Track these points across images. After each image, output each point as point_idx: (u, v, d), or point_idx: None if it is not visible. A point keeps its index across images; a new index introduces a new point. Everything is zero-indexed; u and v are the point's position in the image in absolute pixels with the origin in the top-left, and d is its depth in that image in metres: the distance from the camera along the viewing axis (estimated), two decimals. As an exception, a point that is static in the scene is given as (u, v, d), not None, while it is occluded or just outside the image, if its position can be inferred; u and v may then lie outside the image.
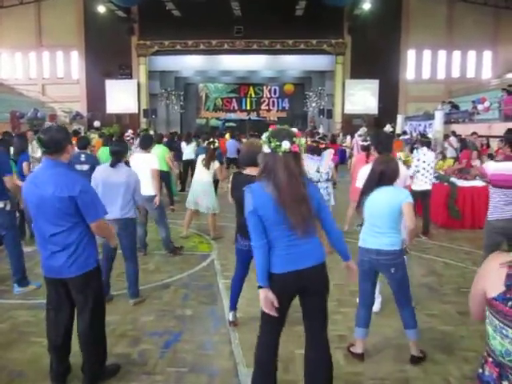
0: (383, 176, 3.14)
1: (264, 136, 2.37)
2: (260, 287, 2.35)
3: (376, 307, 3.90)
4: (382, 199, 3.14)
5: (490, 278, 1.26)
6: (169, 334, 3.72)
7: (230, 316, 3.89)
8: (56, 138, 2.72)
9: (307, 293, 2.46)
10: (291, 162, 2.30)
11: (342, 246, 2.60)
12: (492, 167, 4.10)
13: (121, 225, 4.19)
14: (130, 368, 3.20)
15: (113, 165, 4.26)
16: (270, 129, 2.50)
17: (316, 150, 6.02)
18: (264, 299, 2.33)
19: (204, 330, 3.84)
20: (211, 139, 7.09)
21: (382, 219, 3.15)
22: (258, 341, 2.54)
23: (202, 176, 6.65)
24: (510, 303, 1.16)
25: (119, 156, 4.32)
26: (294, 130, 2.46)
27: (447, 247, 6.43)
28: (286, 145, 2.27)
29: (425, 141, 7.19)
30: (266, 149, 2.33)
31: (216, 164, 6.63)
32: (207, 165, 6.57)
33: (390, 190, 3.16)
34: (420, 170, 6.64)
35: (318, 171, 5.87)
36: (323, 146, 6.27)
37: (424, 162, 6.71)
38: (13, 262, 4.58)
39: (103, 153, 7.51)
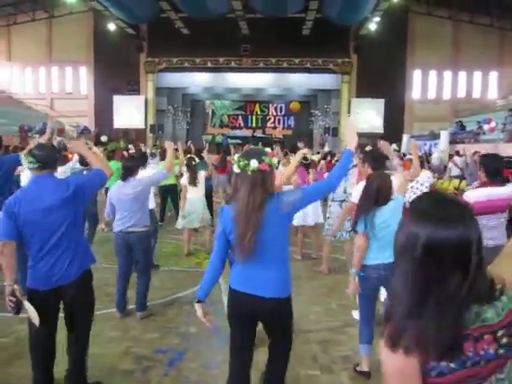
0: (380, 192, 3.16)
1: (234, 157, 2.39)
2: (198, 301, 2.43)
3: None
4: (387, 214, 3.15)
5: None
6: (173, 352, 3.70)
7: None
8: (52, 154, 2.89)
9: (266, 323, 2.45)
10: (258, 180, 2.25)
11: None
12: (473, 195, 3.78)
13: (133, 238, 4.25)
14: (134, 386, 3.18)
15: (123, 179, 4.38)
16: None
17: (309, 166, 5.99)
18: (199, 314, 2.45)
19: (208, 348, 3.81)
20: (188, 155, 7.21)
21: (390, 233, 3.13)
22: (229, 371, 2.52)
23: (194, 194, 6.61)
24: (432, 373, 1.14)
25: (130, 171, 4.43)
26: (267, 149, 2.44)
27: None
28: (253, 164, 2.25)
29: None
30: (235, 169, 2.33)
31: (201, 174, 6.68)
32: (193, 182, 6.56)
33: (394, 203, 3.20)
34: (413, 189, 6.57)
35: (345, 191, 5.83)
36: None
37: (417, 181, 6.66)
38: (22, 275, 4.55)
39: (114, 166, 7.55)
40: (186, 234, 6.77)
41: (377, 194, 3.15)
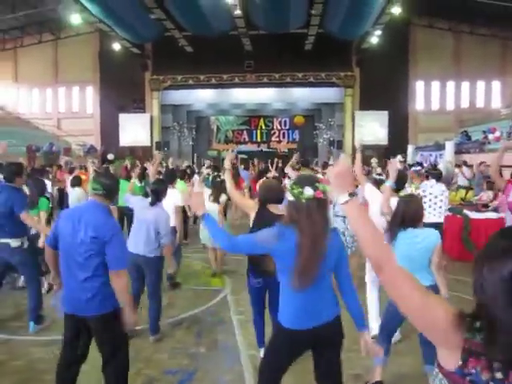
0: (405, 216, 3.12)
1: (288, 184, 2.39)
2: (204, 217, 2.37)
3: (396, 336, 3.88)
4: (415, 240, 3.11)
5: (445, 345, 1.20)
6: (182, 373, 3.70)
7: (261, 352, 3.77)
8: (113, 183, 3.00)
9: (319, 349, 2.43)
10: (314, 209, 2.22)
11: (357, 311, 2.45)
12: None
13: (146, 262, 4.27)
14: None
15: (152, 204, 4.38)
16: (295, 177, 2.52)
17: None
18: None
19: (217, 368, 3.81)
20: (215, 172, 7.06)
21: (417, 261, 3.11)
22: None
23: (211, 210, 6.53)
24: (468, 378, 1.13)
25: (158, 195, 4.44)
26: (320, 176, 2.47)
27: (462, 281, 6.33)
28: (308, 191, 2.20)
29: (434, 173, 7.14)
30: (289, 197, 2.28)
31: (223, 197, 6.49)
32: (216, 200, 6.45)
33: (422, 231, 3.15)
34: (427, 201, 6.57)
35: None
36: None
37: (431, 193, 6.66)
38: (31, 299, 4.56)
39: (122, 184, 7.43)
40: (211, 254, 6.65)
41: (402, 218, 3.12)
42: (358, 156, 4.81)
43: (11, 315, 4.95)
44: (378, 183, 5.69)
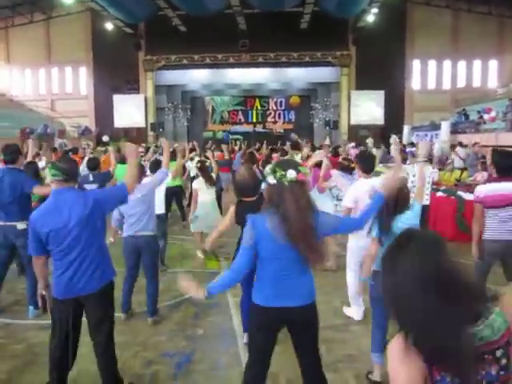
0: (397, 200, 3.07)
1: (268, 167, 2.39)
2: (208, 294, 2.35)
3: None
4: (406, 221, 3.07)
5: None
6: (180, 355, 3.77)
7: (245, 338, 3.87)
8: (75, 167, 3.04)
9: (294, 329, 2.49)
10: (298, 191, 2.26)
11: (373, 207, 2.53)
12: (485, 189, 4.00)
13: (142, 242, 4.32)
14: (143, 390, 3.26)
15: (152, 170, 4.74)
16: (274, 161, 2.54)
17: (347, 169, 5.71)
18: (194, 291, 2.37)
19: (215, 349, 3.89)
20: (198, 158, 7.08)
21: None
22: (244, 375, 2.55)
23: (208, 197, 6.51)
24: None
25: (159, 165, 4.67)
26: (299, 159, 2.50)
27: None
28: (291, 174, 2.24)
29: None
30: (271, 180, 2.30)
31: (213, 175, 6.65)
32: (209, 182, 6.48)
33: (411, 213, 3.15)
34: (416, 185, 6.51)
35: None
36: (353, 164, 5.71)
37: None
38: (31, 284, 4.57)
39: (120, 170, 7.29)
40: (198, 237, 6.73)
41: (395, 202, 3.06)
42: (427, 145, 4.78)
43: (10, 300, 5.00)
44: (344, 166, 5.74)
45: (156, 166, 5.18)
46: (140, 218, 4.37)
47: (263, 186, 2.51)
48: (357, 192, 4.16)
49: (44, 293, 2.95)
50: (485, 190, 3.98)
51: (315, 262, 2.32)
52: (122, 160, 7.89)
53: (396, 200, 3.07)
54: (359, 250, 4.03)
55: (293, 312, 2.37)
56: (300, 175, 2.28)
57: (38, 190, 4.56)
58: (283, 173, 2.26)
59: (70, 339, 2.91)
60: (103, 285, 2.93)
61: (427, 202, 6.64)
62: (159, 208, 5.50)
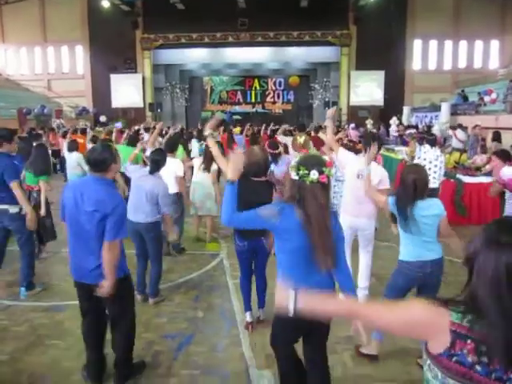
0: (416, 186, 3.02)
1: (293, 161, 2.36)
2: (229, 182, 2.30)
3: None
4: (428, 210, 3.08)
5: (433, 333, 1.24)
6: (181, 336, 3.82)
7: (247, 317, 3.95)
8: (101, 157, 2.89)
9: (312, 333, 2.54)
10: (318, 192, 2.26)
11: (349, 289, 2.46)
12: (509, 173, 4.09)
13: (145, 228, 4.33)
14: (144, 371, 3.31)
15: (151, 172, 4.41)
16: (301, 155, 2.48)
17: (353, 150, 5.46)
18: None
19: (215, 331, 3.94)
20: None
21: (426, 234, 3.10)
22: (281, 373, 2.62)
23: (202, 179, 6.31)
24: (454, 358, 1.19)
25: (159, 165, 4.46)
26: (325, 158, 2.41)
27: (453, 244, 6.46)
28: (314, 175, 2.24)
29: (428, 138, 7.07)
30: (293, 175, 2.30)
31: (214, 166, 6.15)
32: (207, 168, 6.24)
33: (426, 203, 3.10)
34: (415, 162, 6.55)
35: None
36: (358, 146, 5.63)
37: (425, 159, 6.68)
38: (25, 265, 4.64)
39: (123, 151, 6.82)
40: (194, 221, 6.76)
41: (414, 188, 3.02)
42: (329, 123, 4.72)
43: (10, 281, 5.03)
44: (349, 148, 5.61)
45: (156, 166, 4.65)
46: (141, 209, 4.32)
47: (272, 167, 2.48)
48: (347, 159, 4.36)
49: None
50: (509, 173, 4.04)
51: (325, 264, 2.29)
52: (131, 142, 7.76)
53: (414, 185, 3.02)
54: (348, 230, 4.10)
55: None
56: (322, 177, 2.26)
57: (15, 187, 4.28)
58: (306, 172, 2.26)
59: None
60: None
61: (434, 185, 6.57)
62: (172, 188, 5.39)
